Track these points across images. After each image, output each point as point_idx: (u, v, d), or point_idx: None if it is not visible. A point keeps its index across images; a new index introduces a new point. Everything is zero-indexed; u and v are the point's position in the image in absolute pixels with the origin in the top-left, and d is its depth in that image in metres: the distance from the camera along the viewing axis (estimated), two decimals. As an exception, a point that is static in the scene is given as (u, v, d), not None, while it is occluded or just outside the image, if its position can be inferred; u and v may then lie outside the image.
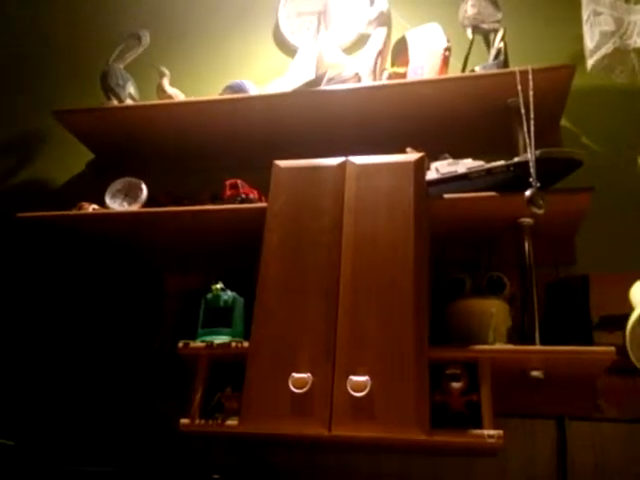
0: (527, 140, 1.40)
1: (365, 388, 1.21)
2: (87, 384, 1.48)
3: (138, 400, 1.62)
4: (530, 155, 1.36)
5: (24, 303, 1.50)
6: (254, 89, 1.88)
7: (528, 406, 1.46)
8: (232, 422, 1.28)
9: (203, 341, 1.41)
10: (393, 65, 1.80)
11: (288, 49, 2.13)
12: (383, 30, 1.79)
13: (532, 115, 1.42)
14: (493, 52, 1.62)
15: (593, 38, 1.45)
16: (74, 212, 1.72)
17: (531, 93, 1.46)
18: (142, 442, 1.56)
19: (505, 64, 1.62)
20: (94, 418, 1.47)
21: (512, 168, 1.40)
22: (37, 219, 1.72)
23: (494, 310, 1.35)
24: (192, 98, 1.88)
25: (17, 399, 1.36)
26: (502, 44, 1.61)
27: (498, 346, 1.31)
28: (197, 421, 1.31)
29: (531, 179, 1.33)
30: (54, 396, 1.41)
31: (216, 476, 1.17)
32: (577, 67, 1.55)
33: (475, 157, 1.49)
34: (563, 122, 1.73)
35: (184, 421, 1.32)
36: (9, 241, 1.66)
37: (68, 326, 1.50)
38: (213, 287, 1.49)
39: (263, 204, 1.55)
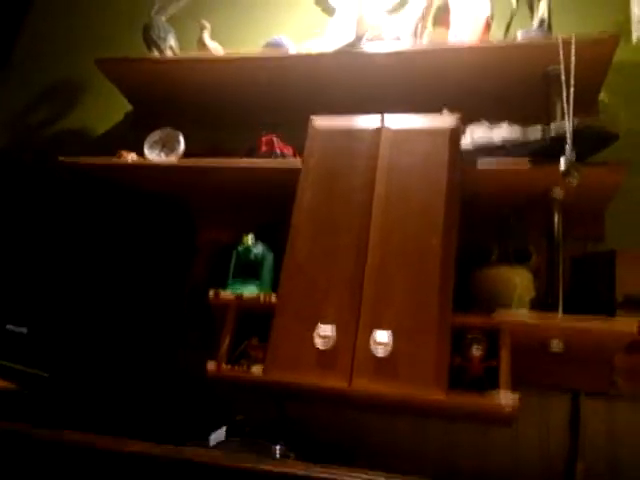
0: (565, 110, 1.38)
1: (387, 346, 1.25)
2: (120, 328, 1.54)
3: (167, 347, 1.69)
4: (568, 124, 1.34)
5: (61, 248, 1.56)
6: (293, 46, 1.88)
7: (545, 379, 1.48)
8: (257, 370, 1.33)
9: (233, 292, 1.46)
10: (434, 28, 1.78)
11: (327, 8, 2.11)
12: (426, -8, 1.76)
13: (572, 84, 1.40)
14: (537, 19, 1.59)
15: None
16: (114, 160, 1.77)
17: (573, 62, 1.43)
18: (169, 386, 1.64)
19: (548, 32, 1.59)
20: (125, 361, 1.54)
21: (549, 140, 1.39)
22: (79, 165, 1.77)
23: (518, 279, 1.37)
24: (231, 53, 1.89)
25: (54, 336, 1.43)
26: (546, 12, 1.58)
27: (521, 313, 1.33)
28: (223, 366, 1.37)
29: (567, 149, 1.32)
30: (89, 337, 1.48)
31: (240, 416, 1.23)
32: (621, 40, 1.52)
33: (511, 122, 1.48)
34: (602, 95, 1.70)
35: (211, 365, 1.38)
36: (47, 186, 1.71)
37: (103, 273, 1.56)
38: (244, 239, 1.54)
39: (298, 161, 1.57)
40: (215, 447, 1.14)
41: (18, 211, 1.60)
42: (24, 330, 1.43)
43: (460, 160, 1.43)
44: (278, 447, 1.15)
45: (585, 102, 1.62)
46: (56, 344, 1.43)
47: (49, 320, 1.45)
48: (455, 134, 1.43)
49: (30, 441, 1.14)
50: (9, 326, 1.43)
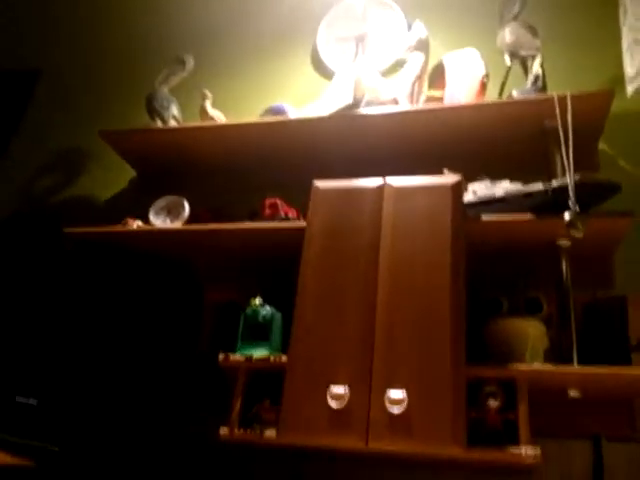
0: (565, 163, 1.42)
1: (402, 403, 1.23)
2: (131, 396, 1.52)
3: (179, 413, 1.65)
4: (569, 179, 1.37)
5: (70, 316, 1.55)
6: (293, 112, 1.94)
7: (564, 426, 1.45)
8: (270, 433, 1.30)
9: (242, 354, 1.44)
10: (430, 88, 1.84)
11: (326, 73, 2.19)
12: (421, 55, 1.83)
13: (571, 139, 1.44)
14: (531, 78, 1.65)
15: (633, 65, 1.47)
16: (120, 228, 1.79)
17: (569, 118, 1.48)
18: (181, 453, 1.59)
19: (543, 89, 1.64)
20: (136, 429, 1.51)
21: (551, 192, 1.41)
22: (84, 234, 1.79)
23: (531, 330, 1.36)
24: (233, 120, 1.95)
25: (65, 408, 1.40)
26: (540, 70, 1.64)
27: (536, 365, 1.31)
28: (236, 431, 1.34)
29: (570, 203, 1.34)
30: (99, 407, 1.45)
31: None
32: (615, 91, 1.57)
33: (512, 179, 1.51)
34: (601, 145, 1.74)
35: (224, 430, 1.35)
36: (55, 255, 1.72)
37: (112, 340, 1.55)
38: (252, 302, 1.54)
39: (302, 223, 1.59)
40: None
41: (25, 280, 1.60)
42: (34, 402, 1.40)
43: (464, 214, 1.45)
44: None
45: (585, 154, 1.66)
46: (66, 416, 1.40)
47: (59, 391, 1.43)
48: (457, 189, 1.46)
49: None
50: (19, 398, 1.40)
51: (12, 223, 2.25)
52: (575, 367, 1.32)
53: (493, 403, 1.28)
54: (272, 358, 1.41)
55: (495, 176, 1.55)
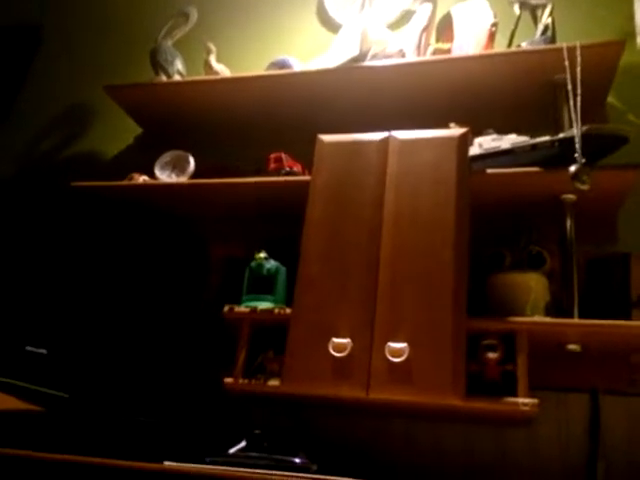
0: (573, 116, 1.39)
1: (403, 354, 1.25)
2: (138, 347, 1.55)
3: (184, 364, 1.69)
4: (576, 130, 1.35)
5: (78, 269, 1.58)
6: (298, 65, 1.91)
7: (562, 379, 1.47)
8: (274, 382, 1.33)
9: (247, 306, 1.46)
10: (438, 41, 1.80)
11: (332, 26, 2.15)
12: (428, 6, 1.79)
13: (579, 91, 1.41)
14: (540, 28, 1.61)
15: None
16: (126, 182, 1.80)
17: (578, 69, 1.45)
18: (187, 403, 1.64)
19: (552, 40, 1.61)
20: (142, 378, 1.55)
21: (557, 143, 1.40)
22: (91, 189, 1.80)
23: (533, 284, 1.37)
24: (237, 74, 1.92)
25: (74, 357, 1.44)
26: (550, 20, 1.60)
27: (536, 318, 1.32)
28: (240, 380, 1.37)
29: (576, 155, 1.33)
30: (107, 357, 1.49)
31: (257, 431, 1.23)
32: (626, 44, 1.53)
33: (519, 133, 1.50)
34: (610, 99, 1.71)
35: (228, 380, 1.38)
36: (61, 210, 1.74)
37: (119, 293, 1.58)
38: (257, 256, 1.55)
39: (306, 177, 1.59)
40: (235, 462, 1.13)
41: (35, 235, 1.62)
42: (44, 351, 1.44)
43: (469, 167, 1.44)
44: (299, 460, 1.14)
45: (593, 108, 1.64)
46: (75, 365, 1.44)
47: (68, 341, 1.47)
48: (463, 141, 1.44)
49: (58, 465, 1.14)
50: (29, 347, 1.44)
51: (19, 179, 2.27)
52: (575, 320, 1.32)
53: (492, 355, 1.29)
54: (276, 310, 1.43)
55: (502, 130, 1.53)
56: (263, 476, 1.07)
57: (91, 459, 1.14)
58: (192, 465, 1.11)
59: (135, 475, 1.11)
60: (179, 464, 1.12)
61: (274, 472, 1.08)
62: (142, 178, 1.83)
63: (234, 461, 1.12)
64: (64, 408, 1.38)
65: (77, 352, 1.46)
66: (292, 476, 1.07)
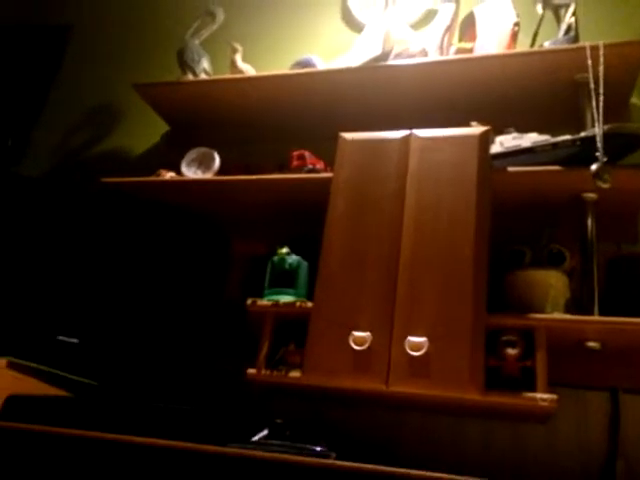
0: (595, 115, 1.40)
1: (422, 348, 1.27)
2: (164, 339, 1.60)
3: (208, 355, 1.74)
4: (598, 130, 1.36)
5: (108, 263, 1.63)
6: (322, 64, 1.94)
7: (582, 377, 1.48)
8: (295, 374, 1.37)
9: (270, 300, 1.50)
10: (460, 40, 1.82)
11: (355, 25, 2.18)
12: (451, 5, 1.81)
13: (601, 91, 1.42)
14: (563, 27, 1.62)
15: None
16: (153, 178, 1.84)
17: (601, 69, 1.45)
18: (211, 393, 1.68)
19: (575, 39, 1.61)
20: (169, 369, 1.59)
21: (578, 142, 1.40)
22: (120, 184, 1.85)
23: (553, 281, 1.38)
24: (262, 73, 1.96)
25: (104, 347, 1.50)
26: (573, 19, 1.60)
27: (555, 315, 1.33)
28: (263, 371, 1.40)
29: (598, 153, 1.34)
30: (136, 347, 1.54)
31: (279, 420, 1.26)
32: (650, 43, 1.53)
33: (540, 132, 1.50)
34: (633, 99, 1.71)
35: (251, 371, 1.41)
36: (91, 205, 1.79)
37: (146, 287, 1.62)
38: (279, 251, 1.58)
39: (329, 174, 1.62)
40: (257, 448, 1.17)
41: (67, 230, 1.68)
42: (75, 341, 1.49)
43: (490, 165, 1.46)
44: (319, 448, 1.17)
45: (616, 108, 1.64)
46: (105, 355, 1.49)
47: (99, 332, 1.52)
48: (484, 139, 1.46)
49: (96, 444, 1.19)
50: (61, 337, 1.50)
51: (51, 175, 2.34)
52: (594, 317, 1.33)
53: (512, 351, 1.31)
54: (298, 303, 1.46)
55: (524, 129, 1.54)
56: (292, 458, 1.09)
57: (130, 437, 1.17)
58: (229, 448, 1.13)
59: (170, 454, 1.14)
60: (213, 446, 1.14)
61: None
62: (169, 174, 1.87)
63: (257, 448, 1.15)
64: (94, 395, 1.43)
65: (107, 342, 1.51)
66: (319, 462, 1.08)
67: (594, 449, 1.43)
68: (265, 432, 1.24)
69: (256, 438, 1.22)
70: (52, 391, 1.45)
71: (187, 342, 1.65)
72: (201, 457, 1.13)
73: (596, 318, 1.32)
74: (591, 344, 1.35)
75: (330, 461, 1.08)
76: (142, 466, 1.14)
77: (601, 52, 1.48)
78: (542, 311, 1.35)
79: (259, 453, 1.10)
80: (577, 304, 1.40)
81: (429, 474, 1.04)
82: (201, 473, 1.11)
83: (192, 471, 1.12)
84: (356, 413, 1.60)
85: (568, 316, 1.33)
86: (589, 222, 1.46)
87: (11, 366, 1.40)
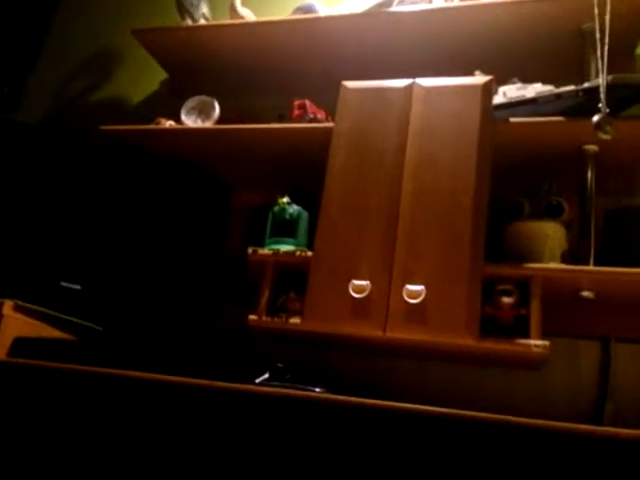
0: (600, 66, 1.39)
1: (420, 296, 1.30)
2: (167, 285, 1.63)
3: (210, 301, 1.77)
4: (601, 80, 1.35)
5: (109, 211, 1.64)
6: (324, 10, 1.90)
7: (575, 326, 1.51)
8: (295, 320, 1.40)
9: (270, 249, 1.52)
10: (466, -13, 1.77)
11: (359, -30, 2.12)
12: (458, -50, 1.75)
13: (607, 40, 1.40)
14: (571, -27, 1.58)
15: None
16: (153, 126, 1.83)
17: (607, 17, 1.43)
18: (213, 338, 1.72)
19: (583, -14, 1.57)
20: (172, 315, 1.63)
21: (581, 93, 1.39)
22: (119, 132, 1.84)
23: (550, 232, 1.39)
24: (262, 19, 1.92)
25: (107, 293, 1.52)
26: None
27: (552, 265, 1.36)
28: (264, 318, 1.44)
29: (600, 104, 1.33)
30: (138, 294, 1.57)
31: (280, 364, 1.30)
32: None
33: (544, 83, 1.49)
34: (639, 50, 1.68)
35: (252, 317, 1.45)
36: (90, 152, 1.78)
37: (148, 235, 1.64)
38: (279, 200, 1.59)
39: (330, 124, 1.61)
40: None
41: (66, 177, 1.68)
42: (78, 287, 1.52)
43: (492, 116, 1.45)
44: (318, 389, 1.21)
45: (621, 58, 1.62)
46: (108, 301, 1.52)
47: (102, 278, 1.54)
48: (487, 89, 1.45)
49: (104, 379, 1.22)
50: (64, 283, 1.52)
51: (48, 122, 2.32)
52: (589, 267, 1.35)
53: (507, 300, 1.34)
54: (298, 252, 1.48)
55: (527, 79, 1.53)
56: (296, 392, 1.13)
57: (139, 373, 1.21)
58: (239, 384, 1.17)
59: (181, 390, 1.17)
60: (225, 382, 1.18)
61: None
62: (169, 123, 1.86)
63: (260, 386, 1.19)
64: (98, 339, 1.47)
65: (109, 289, 1.53)
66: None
67: (585, 396, 1.48)
68: (266, 375, 1.28)
69: (258, 380, 1.26)
70: (57, 333, 1.48)
71: (191, 288, 1.68)
72: (209, 393, 1.16)
73: (591, 268, 1.35)
74: (585, 293, 1.38)
75: (332, 396, 1.11)
76: (149, 402, 1.18)
77: (608, 0, 1.44)
78: (539, 261, 1.37)
79: (264, 388, 1.14)
80: (574, 255, 1.42)
81: (422, 407, 1.08)
82: (208, 408, 1.15)
83: (201, 407, 1.15)
84: (354, 359, 1.64)
85: (563, 266, 1.35)
86: (589, 174, 1.46)
87: (17, 309, 1.42)
